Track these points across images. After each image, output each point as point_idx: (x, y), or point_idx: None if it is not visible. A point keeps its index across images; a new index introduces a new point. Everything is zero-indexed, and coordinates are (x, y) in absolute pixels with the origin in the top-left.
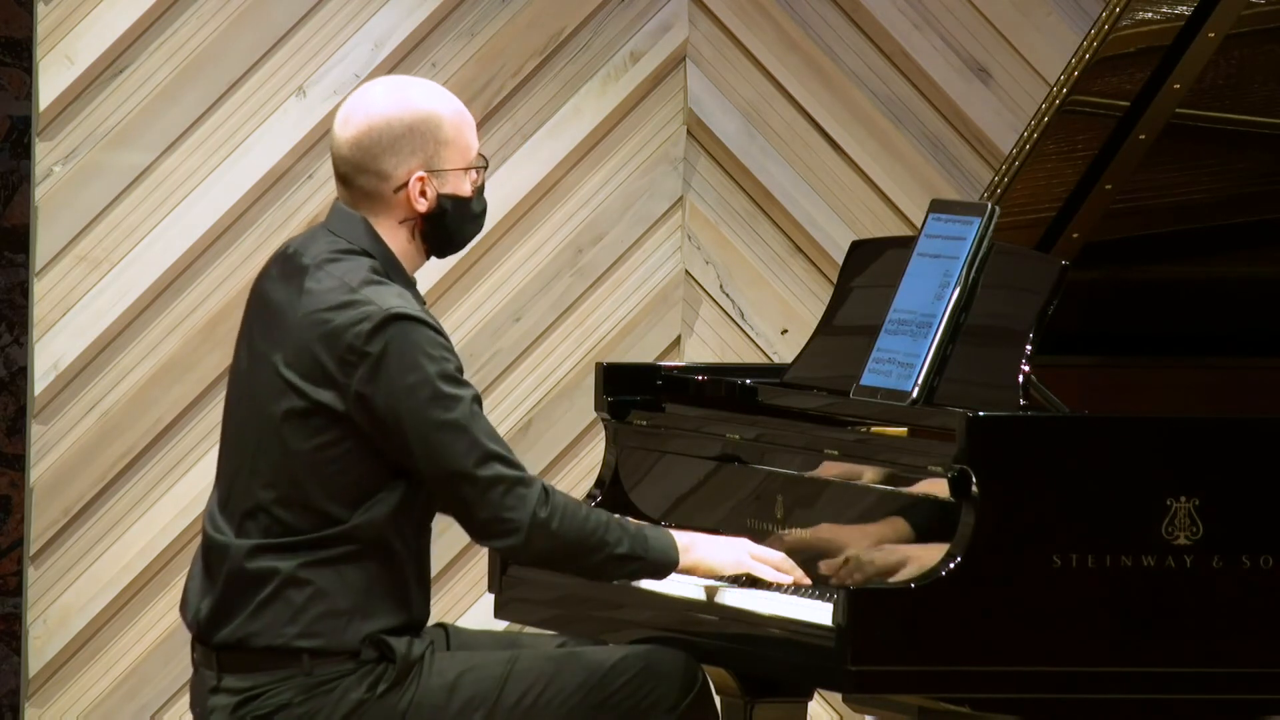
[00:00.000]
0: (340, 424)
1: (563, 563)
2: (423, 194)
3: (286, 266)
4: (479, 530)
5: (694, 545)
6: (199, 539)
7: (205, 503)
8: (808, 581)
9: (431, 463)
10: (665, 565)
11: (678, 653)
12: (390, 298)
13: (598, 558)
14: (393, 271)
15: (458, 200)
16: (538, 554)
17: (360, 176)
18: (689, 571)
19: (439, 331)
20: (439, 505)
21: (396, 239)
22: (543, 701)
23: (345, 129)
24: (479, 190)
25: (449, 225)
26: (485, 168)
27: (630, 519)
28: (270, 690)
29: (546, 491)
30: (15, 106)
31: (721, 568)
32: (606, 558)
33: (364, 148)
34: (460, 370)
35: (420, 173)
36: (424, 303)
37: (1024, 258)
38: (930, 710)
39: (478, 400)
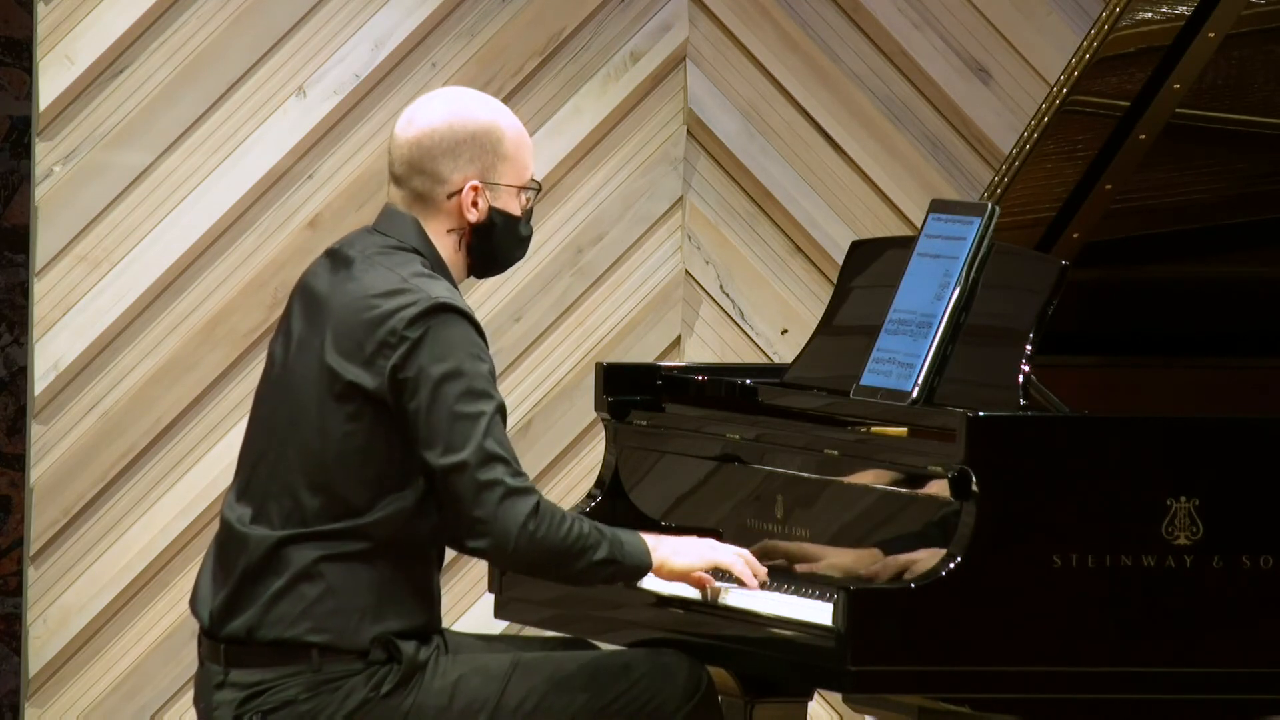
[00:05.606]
0: (371, 408)
1: (543, 571)
2: (474, 204)
3: (333, 261)
4: (466, 529)
5: (658, 546)
6: (203, 536)
7: (205, 502)
8: (764, 574)
9: (439, 451)
10: (640, 568)
11: (682, 656)
12: (439, 289)
13: (578, 565)
14: (440, 272)
15: (507, 217)
16: (520, 562)
17: (415, 178)
18: (655, 573)
19: (480, 333)
20: (437, 499)
21: (445, 246)
22: (545, 705)
23: (407, 129)
24: (528, 214)
25: (495, 241)
26: (538, 192)
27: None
28: (276, 686)
29: (538, 505)
30: (15, 106)
31: (686, 567)
32: (586, 565)
33: (424, 149)
34: (494, 375)
35: (475, 181)
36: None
37: (1024, 258)
38: (930, 710)
39: (501, 410)
